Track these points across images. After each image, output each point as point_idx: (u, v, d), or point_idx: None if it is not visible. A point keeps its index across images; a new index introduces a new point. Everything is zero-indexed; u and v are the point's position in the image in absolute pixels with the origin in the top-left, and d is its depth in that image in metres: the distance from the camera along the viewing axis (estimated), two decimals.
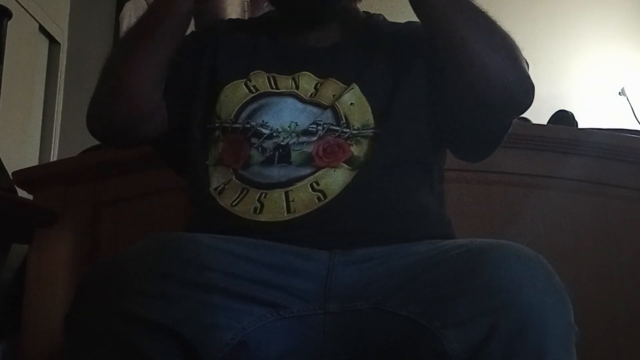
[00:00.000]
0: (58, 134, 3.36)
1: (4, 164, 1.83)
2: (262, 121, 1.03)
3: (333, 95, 1.06)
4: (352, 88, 1.05)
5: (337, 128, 1.02)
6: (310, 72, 1.08)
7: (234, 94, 1.07)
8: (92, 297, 0.81)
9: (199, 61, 1.12)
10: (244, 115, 1.05)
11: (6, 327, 1.84)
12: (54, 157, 3.28)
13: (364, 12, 1.22)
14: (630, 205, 1.68)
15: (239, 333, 0.81)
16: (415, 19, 1.16)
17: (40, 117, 3.32)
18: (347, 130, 1.02)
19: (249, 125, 1.03)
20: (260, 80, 1.08)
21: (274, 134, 1.02)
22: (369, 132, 1.02)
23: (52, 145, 3.33)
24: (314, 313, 0.87)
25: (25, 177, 1.87)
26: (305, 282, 0.88)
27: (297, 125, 1.02)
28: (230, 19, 1.28)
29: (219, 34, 1.16)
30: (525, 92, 1.02)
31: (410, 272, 0.86)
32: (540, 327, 0.76)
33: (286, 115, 1.03)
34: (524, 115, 1.83)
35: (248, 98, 1.06)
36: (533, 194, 1.62)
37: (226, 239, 0.90)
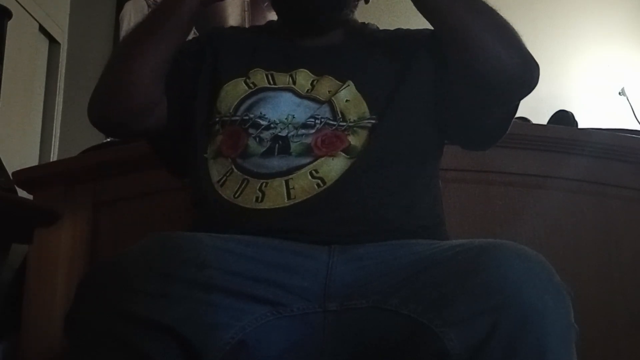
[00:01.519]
0: (58, 134, 3.36)
1: (4, 164, 1.83)
2: (260, 113, 1.06)
3: (329, 92, 1.08)
4: (348, 85, 1.08)
5: (334, 122, 1.04)
6: (307, 70, 1.11)
7: (234, 90, 1.10)
8: (92, 296, 0.81)
9: (201, 62, 1.15)
10: (242, 108, 1.07)
11: (6, 327, 1.84)
12: (54, 157, 3.28)
13: (361, 23, 1.25)
14: (630, 205, 1.68)
15: (238, 332, 0.82)
16: (405, 26, 1.19)
17: (40, 117, 3.32)
18: (344, 123, 1.04)
19: (247, 117, 1.06)
20: (259, 77, 1.11)
21: (272, 125, 1.04)
22: (366, 123, 1.05)
23: (52, 145, 3.33)
24: (313, 311, 0.87)
25: (25, 177, 1.87)
26: (305, 281, 0.89)
27: (293, 117, 1.05)
28: (232, 27, 1.31)
29: (221, 37, 1.19)
30: (530, 72, 1.04)
31: (411, 271, 0.86)
32: (540, 327, 0.76)
33: (283, 108, 1.06)
34: (524, 115, 1.84)
35: (247, 93, 1.09)
36: (533, 194, 1.62)
37: (226, 237, 0.90)
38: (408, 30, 1.20)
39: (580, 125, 1.94)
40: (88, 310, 0.81)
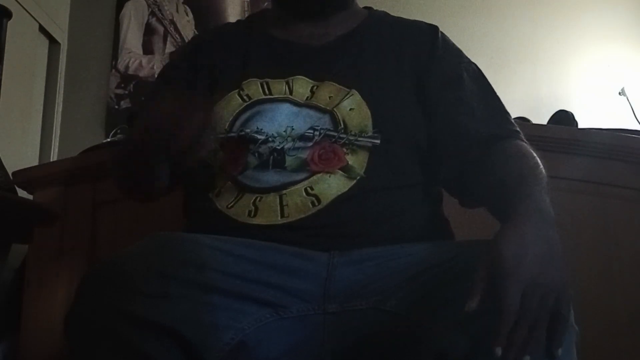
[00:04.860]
0: (58, 134, 3.35)
1: (4, 164, 1.83)
2: (257, 128, 1.03)
3: (330, 97, 1.05)
4: (352, 94, 1.05)
5: (335, 133, 1.01)
6: (304, 76, 1.07)
7: (228, 105, 1.06)
8: (92, 296, 0.81)
9: (193, 80, 1.11)
10: (238, 124, 1.04)
11: (6, 327, 1.84)
12: (54, 157, 3.28)
13: (365, 7, 1.21)
14: (630, 205, 1.68)
15: (238, 333, 0.82)
16: (420, 17, 1.16)
17: (40, 117, 3.32)
18: (344, 136, 1.01)
19: (243, 133, 1.03)
20: (254, 88, 1.07)
21: (269, 138, 1.01)
22: (367, 142, 1.01)
23: (52, 145, 3.32)
24: (313, 313, 0.87)
25: (25, 177, 1.87)
26: (305, 283, 0.88)
27: (292, 129, 1.02)
28: (226, 24, 1.27)
29: (210, 45, 1.15)
30: None
31: (410, 272, 0.86)
32: None
33: (281, 120, 1.03)
34: (524, 115, 1.83)
35: (241, 107, 1.05)
36: None
37: (226, 239, 0.90)
38: (417, 32, 1.14)
39: (580, 125, 1.94)
40: (88, 311, 0.81)
